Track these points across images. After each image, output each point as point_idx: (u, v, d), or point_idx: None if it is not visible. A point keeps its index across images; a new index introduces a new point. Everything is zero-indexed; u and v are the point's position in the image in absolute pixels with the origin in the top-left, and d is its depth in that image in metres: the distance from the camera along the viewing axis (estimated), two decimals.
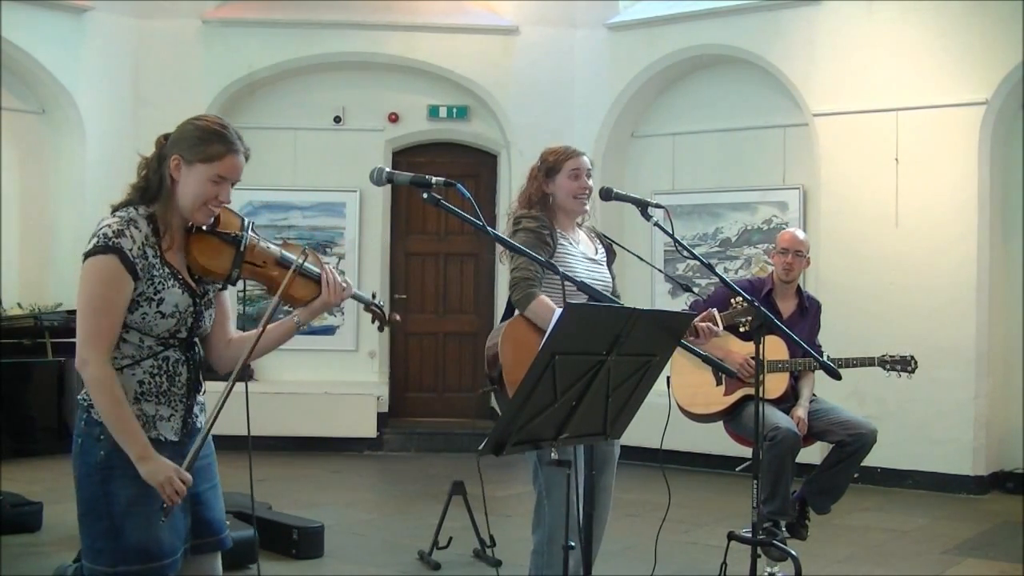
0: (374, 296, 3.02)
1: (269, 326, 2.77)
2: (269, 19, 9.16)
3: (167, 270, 2.63)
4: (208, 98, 8.97)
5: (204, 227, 2.69)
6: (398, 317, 3.05)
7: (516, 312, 3.57)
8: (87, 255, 2.57)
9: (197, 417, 2.77)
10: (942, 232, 7.56)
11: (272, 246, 2.78)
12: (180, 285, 2.65)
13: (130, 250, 2.55)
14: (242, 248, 2.68)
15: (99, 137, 8.79)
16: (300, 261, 2.76)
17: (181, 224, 2.69)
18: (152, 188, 2.66)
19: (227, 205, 2.71)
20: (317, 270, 2.79)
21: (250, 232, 2.74)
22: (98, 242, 2.56)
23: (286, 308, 2.81)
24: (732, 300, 4.24)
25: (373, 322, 3.02)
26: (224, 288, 2.82)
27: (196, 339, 2.75)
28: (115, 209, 2.66)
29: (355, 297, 2.89)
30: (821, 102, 8.04)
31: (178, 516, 2.66)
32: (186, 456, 2.63)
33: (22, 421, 8.12)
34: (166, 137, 2.70)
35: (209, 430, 2.68)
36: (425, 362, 9.61)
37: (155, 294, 2.60)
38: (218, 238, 2.69)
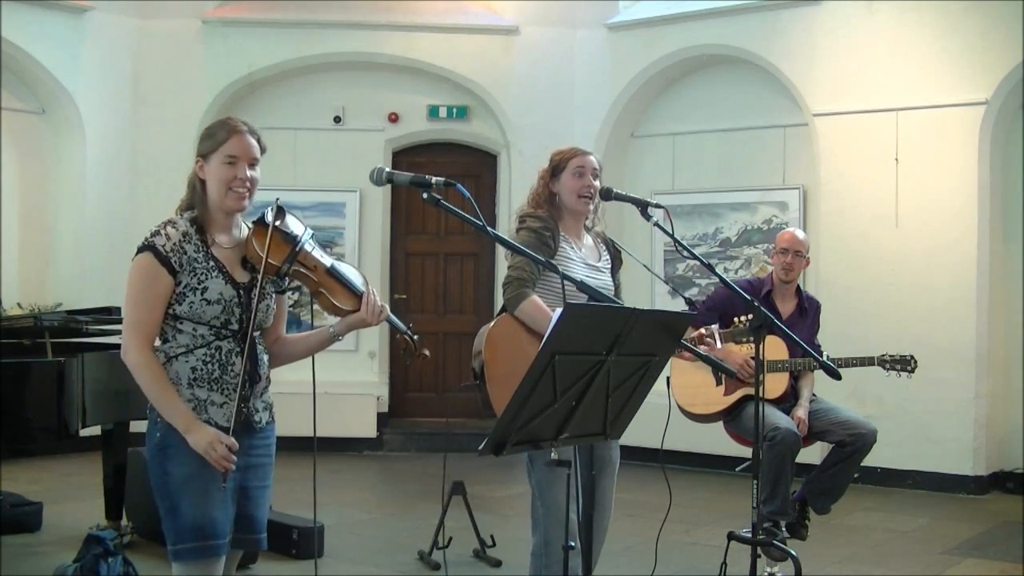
0: (410, 326, 3.13)
1: (305, 333, 3.07)
2: (269, 19, 9.16)
3: (211, 263, 2.83)
4: (208, 98, 8.99)
5: (270, 222, 2.86)
6: (427, 352, 3.15)
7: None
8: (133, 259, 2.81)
9: (257, 411, 2.96)
10: (942, 232, 7.56)
11: (326, 256, 2.97)
12: (224, 276, 2.84)
13: (163, 246, 2.77)
14: (297, 248, 2.87)
15: (99, 137, 8.79)
16: (347, 275, 2.95)
17: (225, 221, 2.89)
18: (190, 197, 2.90)
19: (250, 185, 2.86)
20: (362, 288, 2.96)
21: (307, 238, 2.93)
22: (139, 244, 2.80)
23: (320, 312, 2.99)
24: (736, 318, 4.19)
25: (402, 349, 3.12)
26: (281, 291, 3.01)
27: (256, 334, 2.90)
28: None
29: (390, 321, 3.02)
30: (821, 102, 8.04)
31: (227, 503, 2.82)
32: (241, 447, 2.82)
33: (21, 421, 8.09)
34: None
35: (237, 415, 2.82)
36: (425, 362, 9.56)
37: (199, 284, 2.79)
38: (280, 234, 2.88)
